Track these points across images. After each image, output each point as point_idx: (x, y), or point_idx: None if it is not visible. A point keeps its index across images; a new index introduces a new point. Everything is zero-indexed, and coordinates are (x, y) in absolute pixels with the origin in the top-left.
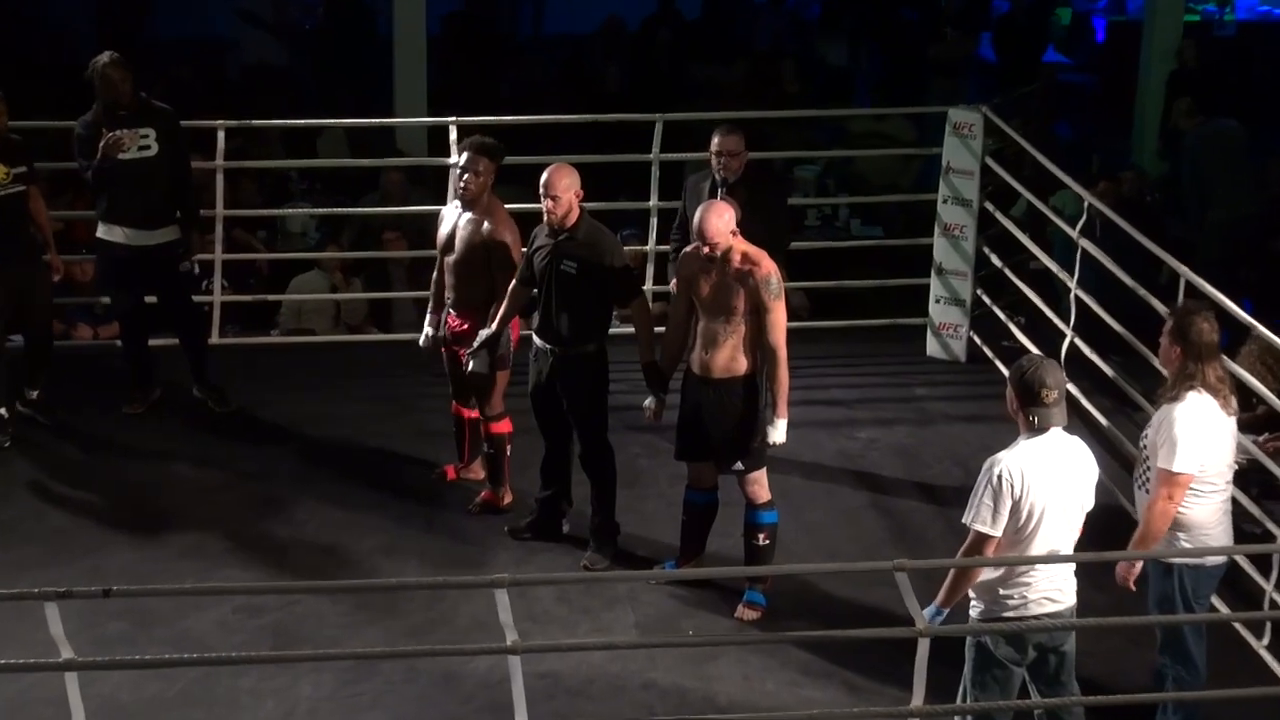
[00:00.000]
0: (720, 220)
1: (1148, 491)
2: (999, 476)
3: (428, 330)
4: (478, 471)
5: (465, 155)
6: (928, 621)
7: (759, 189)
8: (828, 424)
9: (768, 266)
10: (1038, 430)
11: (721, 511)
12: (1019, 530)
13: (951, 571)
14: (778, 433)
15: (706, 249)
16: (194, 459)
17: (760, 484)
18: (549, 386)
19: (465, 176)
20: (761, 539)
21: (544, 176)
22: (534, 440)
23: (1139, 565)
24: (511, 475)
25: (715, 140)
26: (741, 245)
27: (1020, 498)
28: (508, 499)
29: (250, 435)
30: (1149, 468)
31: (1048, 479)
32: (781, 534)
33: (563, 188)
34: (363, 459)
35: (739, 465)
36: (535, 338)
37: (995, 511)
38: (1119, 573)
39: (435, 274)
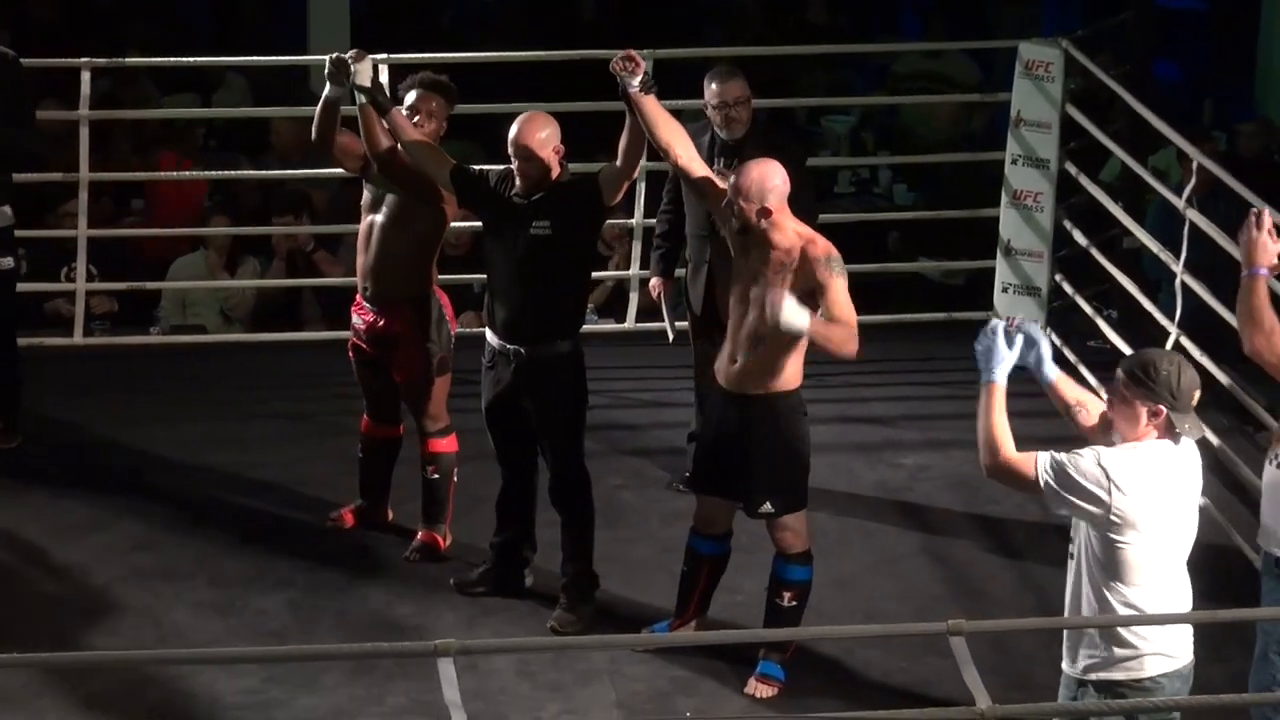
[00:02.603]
0: (775, 176)
1: None
2: (1106, 480)
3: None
4: (388, 513)
5: (415, 93)
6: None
7: (774, 150)
8: (865, 448)
9: (825, 245)
10: (1173, 437)
11: (736, 559)
12: (1137, 569)
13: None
14: (796, 315)
15: (739, 205)
16: (51, 493)
17: (796, 531)
18: (509, 399)
19: (417, 118)
20: (788, 599)
21: (513, 129)
22: (489, 468)
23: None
24: (459, 511)
25: (713, 88)
26: (791, 223)
27: (1127, 525)
28: (449, 539)
29: (124, 463)
30: None
31: (1169, 503)
32: None
33: (538, 143)
34: (264, 492)
35: (768, 507)
36: (490, 336)
37: (1072, 491)
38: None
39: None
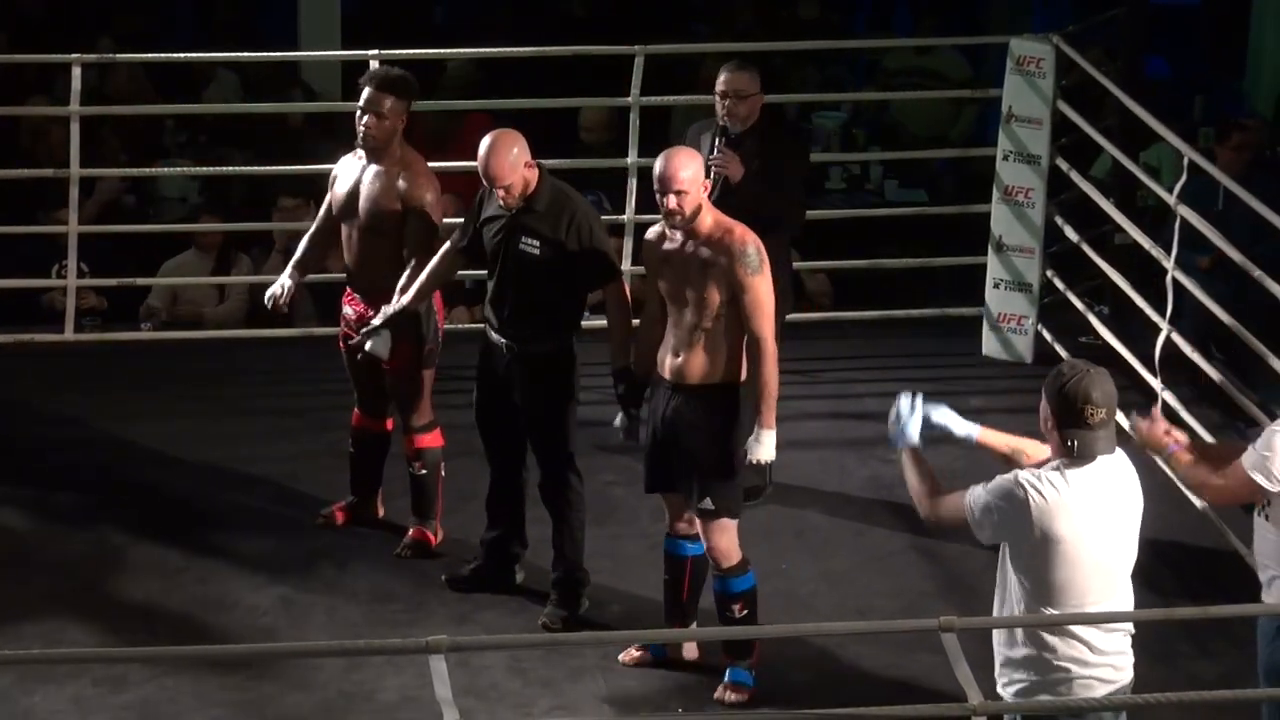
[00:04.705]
0: (691, 165)
1: (1267, 518)
2: (1024, 495)
3: (285, 281)
4: (379, 509)
5: (366, 92)
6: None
7: (774, 145)
8: (856, 444)
9: (742, 235)
10: (1078, 459)
11: None
12: (1059, 583)
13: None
14: (763, 449)
15: (671, 202)
16: (38, 488)
17: (730, 538)
18: (501, 394)
19: (366, 119)
20: (738, 610)
21: (480, 158)
22: (480, 464)
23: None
24: (450, 508)
25: (721, 78)
26: (709, 216)
27: (1050, 543)
28: (440, 535)
29: (112, 459)
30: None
31: (1091, 519)
32: (798, 585)
33: (508, 168)
34: (255, 489)
35: (708, 503)
36: (487, 332)
37: (997, 524)
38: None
39: (311, 233)
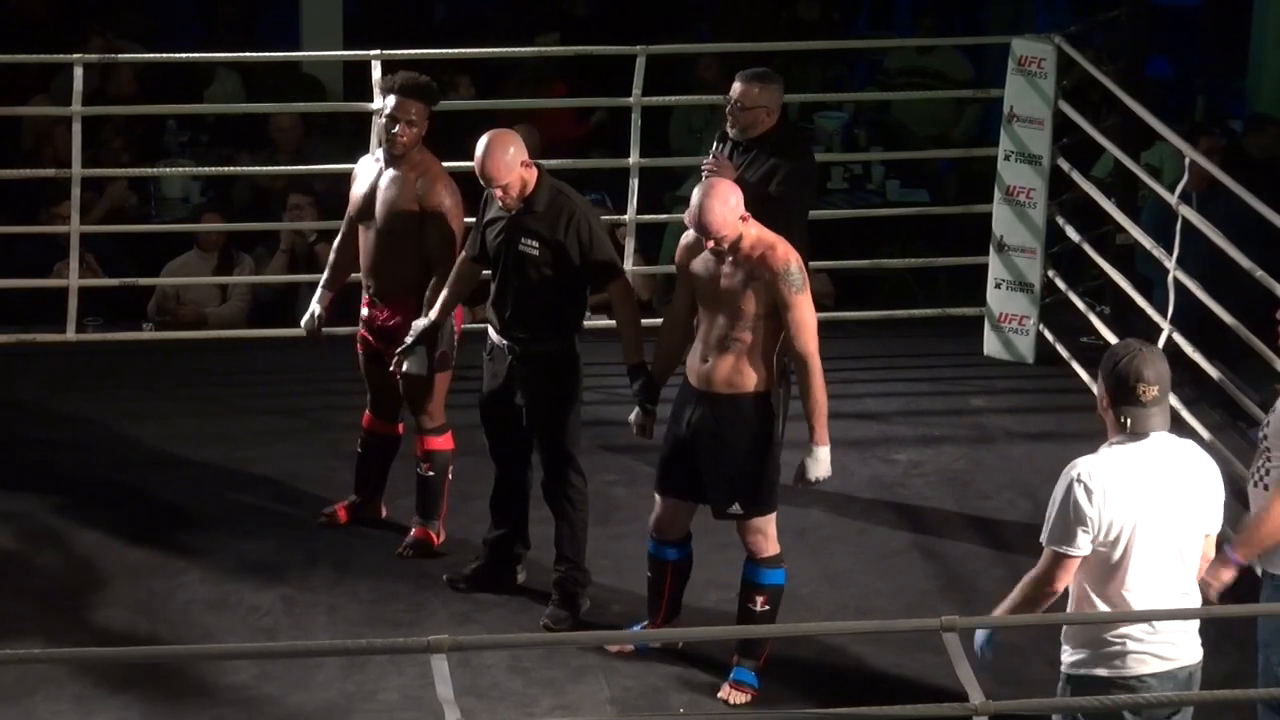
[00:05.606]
0: (725, 207)
1: (1266, 488)
2: (1079, 483)
3: (314, 308)
4: (382, 509)
5: (394, 100)
6: (978, 650)
7: (779, 158)
8: (859, 444)
9: (785, 253)
10: (1131, 435)
11: (729, 555)
12: (1106, 559)
13: (1020, 588)
14: (818, 466)
15: (710, 244)
16: (38, 488)
17: (766, 534)
18: (504, 394)
19: (397, 127)
20: (760, 604)
21: (477, 160)
22: (482, 464)
23: (1228, 574)
24: (452, 507)
25: (733, 84)
26: (753, 229)
27: (1105, 515)
28: (443, 536)
29: (116, 458)
30: (1268, 461)
31: (1143, 494)
32: (800, 585)
33: (504, 168)
34: (258, 488)
35: (736, 508)
36: (489, 332)
37: (1077, 525)
38: (1206, 580)
39: (339, 241)
